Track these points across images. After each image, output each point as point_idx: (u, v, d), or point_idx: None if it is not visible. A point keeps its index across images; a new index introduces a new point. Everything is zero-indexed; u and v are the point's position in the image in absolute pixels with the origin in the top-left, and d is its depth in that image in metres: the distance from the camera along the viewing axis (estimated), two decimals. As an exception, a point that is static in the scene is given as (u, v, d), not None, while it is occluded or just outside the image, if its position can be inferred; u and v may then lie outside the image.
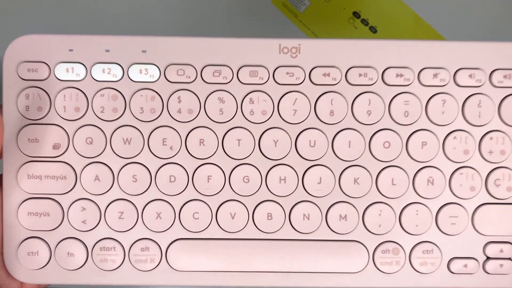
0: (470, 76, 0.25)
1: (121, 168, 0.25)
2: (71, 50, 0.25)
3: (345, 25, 0.42)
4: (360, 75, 0.25)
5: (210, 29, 0.42)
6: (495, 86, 0.25)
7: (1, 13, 0.42)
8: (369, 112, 0.25)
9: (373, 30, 0.41)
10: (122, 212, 0.25)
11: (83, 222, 0.25)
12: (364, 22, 0.41)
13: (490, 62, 0.25)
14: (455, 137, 0.25)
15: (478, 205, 0.26)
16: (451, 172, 0.26)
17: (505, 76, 0.25)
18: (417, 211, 0.26)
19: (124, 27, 0.42)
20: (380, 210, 0.26)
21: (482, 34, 0.45)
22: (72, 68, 0.25)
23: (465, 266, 0.26)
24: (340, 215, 0.25)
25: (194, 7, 0.43)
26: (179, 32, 0.42)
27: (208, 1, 0.43)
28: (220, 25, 0.42)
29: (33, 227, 0.25)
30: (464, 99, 0.25)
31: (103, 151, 0.25)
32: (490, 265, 0.26)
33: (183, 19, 0.42)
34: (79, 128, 0.25)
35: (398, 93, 0.25)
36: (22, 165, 0.25)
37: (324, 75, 0.25)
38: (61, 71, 0.25)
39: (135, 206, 0.25)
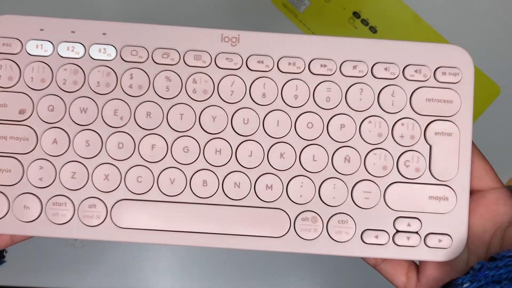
0: (386, 69, 0.29)
1: (77, 134, 0.29)
2: (42, 29, 0.29)
3: (345, 25, 0.42)
4: (289, 64, 0.29)
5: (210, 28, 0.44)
6: (407, 79, 0.29)
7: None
8: (295, 96, 0.29)
9: (373, 30, 0.42)
10: (75, 173, 0.29)
11: (40, 179, 0.29)
12: (364, 22, 0.42)
13: (404, 58, 0.29)
14: (370, 122, 0.29)
15: (390, 183, 0.29)
16: (366, 152, 0.29)
17: (416, 71, 0.29)
18: (334, 185, 0.29)
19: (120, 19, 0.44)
20: (302, 182, 0.29)
21: (482, 33, 0.45)
22: (41, 45, 0.29)
23: (377, 237, 0.29)
24: (267, 185, 0.29)
25: (194, 7, 0.45)
26: None
27: (208, 1, 0.45)
28: (220, 25, 0.43)
29: (-4, 181, 0.29)
30: (380, 90, 0.29)
31: (62, 118, 0.29)
32: (399, 237, 0.29)
33: (183, 19, 0.44)
34: (43, 97, 0.29)
35: (321, 81, 0.29)
36: (-10, 127, 0.29)
37: (259, 62, 0.29)
38: (32, 47, 0.29)
39: (86, 167, 0.29)
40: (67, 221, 0.29)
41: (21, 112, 0.29)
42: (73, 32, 0.29)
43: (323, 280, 0.46)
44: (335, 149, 0.29)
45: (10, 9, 0.45)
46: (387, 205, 0.29)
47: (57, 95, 0.29)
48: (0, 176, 0.29)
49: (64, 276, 0.46)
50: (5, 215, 0.29)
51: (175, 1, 0.45)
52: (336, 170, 0.29)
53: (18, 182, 0.29)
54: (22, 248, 0.39)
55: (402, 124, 0.29)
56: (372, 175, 0.29)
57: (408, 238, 0.29)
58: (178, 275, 0.46)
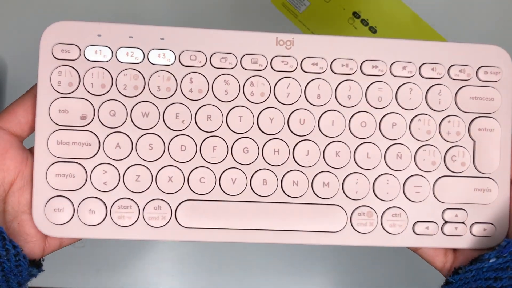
0: (432, 69, 0.31)
1: (139, 138, 0.29)
2: (99, 35, 0.29)
3: (345, 25, 0.42)
4: (342, 65, 0.30)
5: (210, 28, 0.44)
6: (452, 79, 0.31)
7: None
8: (349, 96, 0.30)
9: (373, 30, 0.42)
10: (139, 176, 0.29)
11: (104, 183, 0.29)
12: (364, 22, 0.42)
13: (449, 59, 0.31)
14: (419, 120, 0.31)
15: (438, 177, 0.31)
16: (416, 149, 0.31)
17: (460, 71, 0.31)
18: (387, 180, 0.30)
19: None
20: (357, 179, 0.30)
21: (482, 33, 0.45)
22: (100, 50, 0.29)
23: (427, 228, 0.31)
24: (324, 183, 0.30)
25: (194, 7, 0.45)
26: None
27: (208, 1, 0.45)
28: (220, 25, 0.43)
29: (60, 187, 0.29)
30: (427, 89, 0.31)
31: (124, 122, 0.29)
32: (447, 227, 0.31)
33: (183, 20, 0.44)
34: (104, 102, 0.29)
35: (373, 81, 0.30)
36: (52, 133, 0.29)
37: (313, 64, 0.30)
38: (91, 53, 0.29)
39: (150, 170, 0.29)
40: (132, 223, 0.29)
41: (83, 117, 0.29)
42: (131, 37, 0.30)
43: (324, 280, 0.48)
44: (387, 146, 0.30)
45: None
46: (436, 198, 0.31)
47: (118, 100, 0.29)
48: (65, 181, 0.29)
49: (64, 276, 0.46)
50: (70, 219, 0.29)
51: (175, 1, 0.45)
52: (388, 166, 0.31)
53: (82, 186, 0.29)
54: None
55: (449, 121, 0.31)
56: (422, 170, 0.31)
57: (456, 228, 0.31)
58: (179, 275, 0.47)
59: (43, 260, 0.31)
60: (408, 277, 0.47)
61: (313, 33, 0.43)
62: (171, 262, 0.46)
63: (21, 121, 0.29)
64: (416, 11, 0.44)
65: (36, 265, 0.30)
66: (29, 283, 0.30)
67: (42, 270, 0.30)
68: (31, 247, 0.29)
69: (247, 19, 0.44)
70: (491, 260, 0.29)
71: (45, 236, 0.30)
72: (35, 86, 0.30)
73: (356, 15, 0.42)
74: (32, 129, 0.30)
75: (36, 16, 0.44)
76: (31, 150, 0.30)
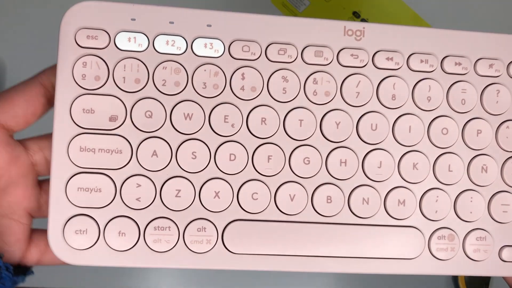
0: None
1: (180, 144, 0.24)
2: (133, 19, 0.24)
3: None
4: (421, 61, 0.26)
5: None
6: None
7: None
8: (428, 98, 0.26)
9: None
10: (179, 190, 0.24)
11: (137, 199, 0.24)
12: (364, 22, 0.41)
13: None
14: (507, 127, 0.26)
15: (528, 194, 0.26)
16: (503, 161, 0.26)
17: None
18: (471, 197, 0.26)
19: None
20: (437, 196, 0.26)
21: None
22: (134, 38, 0.24)
23: (516, 254, 0.26)
24: (399, 200, 0.25)
25: (194, 6, 0.44)
26: None
27: (208, 1, 0.43)
28: None
29: (83, 203, 0.24)
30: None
31: (162, 125, 0.24)
32: (538, 253, 0.26)
33: None
34: (138, 101, 0.24)
35: (456, 81, 0.26)
36: (74, 137, 0.24)
37: (388, 59, 0.25)
38: (122, 40, 0.24)
39: (192, 184, 0.24)
40: (171, 248, 0.24)
41: (112, 119, 0.24)
42: (171, 22, 0.24)
43: (324, 281, 0.46)
44: (471, 157, 0.26)
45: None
46: (526, 219, 0.26)
47: (155, 99, 0.24)
48: (89, 196, 0.24)
49: (64, 276, 0.44)
50: (95, 244, 0.24)
51: (175, 1, 0.43)
52: (472, 182, 0.26)
53: (110, 203, 0.24)
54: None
55: (541, 129, 0.26)
56: (510, 186, 0.26)
57: (549, 254, 0.26)
58: (179, 275, 0.45)
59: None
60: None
61: None
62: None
63: (18, 113, 0.24)
64: (416, 11, 0.43)
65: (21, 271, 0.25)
66: (27, 283, 0.26)
67: (31, 273, 0.26)
68: (7, 258, 0.24)
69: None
70: None
71: (27, 247, 0.25)
72: (42, 73, 0.24)
73: (356, 14, 0.42)
74: (27, 123, 0.24)
75: (36, 16, 0.43)
76: (22, 143, 0.25)
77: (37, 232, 0.26)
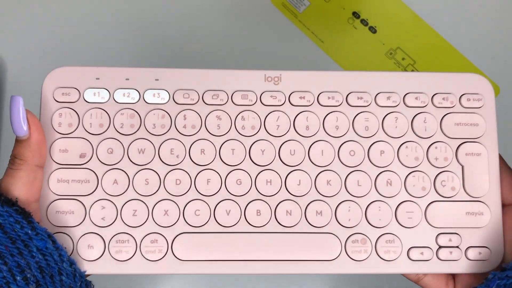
0: (416, 98, 0.32)
1: (136, 173, 0.31)
2: (97, 78, 0.31)
3: (344, 25, 0.42)
4: (328, 98, 0.32)
5: (210, 29, 0.44)
6: (436, 107, 0.32)
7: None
8: (337, 127, 0.31)
9: (373, 30, 0.42)
10: (136, 210, 0.30)
11: (102, 219, 0.30)
12: (364, 22, 0.42)
13: (432, 88, 0.32)
14: (406, 147, 0.32)
15: (429, 202, 0.31)
16: (406, 175, 0.31)
17: (443, 99, 0.32)
18: (379, 207, 0.31)
19: (129, 27, 0.43)
20: (349, 207, 0.31)
21: (482, 33, 0.45)
22: (99, 92, 0.31)
23: (422, 254, 0.31)
24: (317, 211, 0.31)
25: (193, 6, 0.45)
26: (179, 32, 0.44)
27: (208, 1, 0.45)
28: (220, 25, 0.44)
29: (60, 223, 0.30)
30: (412, 117, 0.32)
31: (121, 159, 0.31)
32: (442, 252, 0.31)
33: (183, 20, 0.44)
34: (102, 141, 0.31)
35: (359, 112, 0.32)
36: (53, 171, 0.30)
37: (300, 98, 0.32)
38: (89, 95, 0.31)
39: (146, 205, 0.30)
40: (130, 257, 0.30)
41: (82, 156, 0.30)
42: (127, 79, 0.31)
43: (325, 281, 0.47)
44: (377, 174, 0.31)
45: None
46: (429, 223, 0.31)
47: (115, 138, 0.31)
48: (64, 217, 0.30)
49: None
50: (70, 255, 0.30)
51: (175, 1, 0.45)
52: (379, 194, 0.31)
53: (81, 222, 0.30)
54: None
55: (436, 148, 0.32)
56: (413, 196, 0.31)
57: (451, 252, 0.31)
58: (179, 275, 0.46)
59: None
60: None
61: (313, 32, 0.42)
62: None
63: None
64: (416, 11, 0.44)
65: None
66: None
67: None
68: None
69: (247, 19, 0.45)
70: None
71: None
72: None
73: (356, 15, 0.42)
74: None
75: (36, 16, 0.44)
76: None
77: None
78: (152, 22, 0.44)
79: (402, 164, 0.31)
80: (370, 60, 0.43)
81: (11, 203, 0.27)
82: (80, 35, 0.44)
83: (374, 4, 0.43)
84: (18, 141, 0.29)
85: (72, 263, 0.28)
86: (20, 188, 0.28)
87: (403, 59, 0.43)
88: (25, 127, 0.28)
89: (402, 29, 0.43)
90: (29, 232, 0.27)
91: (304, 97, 0.32)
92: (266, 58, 0.44)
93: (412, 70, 0.44)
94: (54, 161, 0.30)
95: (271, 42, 0.45)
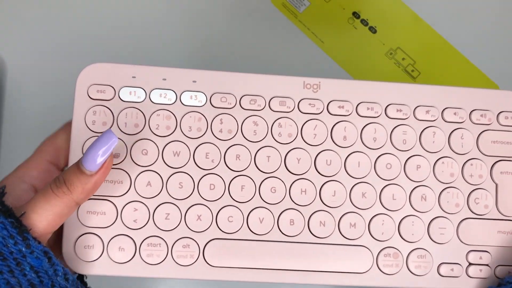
0: (455, 114, 0.32)
1: (170, 176, 0.30)
2: (134, 77, 0.30)
3: (344, 25, 0.42)
4: (367, 108, 0.31)
5: (210, 29, 0.44)
6: (474, 123, 0.32)
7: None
8: (374, 139, 0.31)
9: (373, 30, 0.42)
10: (168, 214, 0.30)
11: (134, 221, 0.30)
12: (364, 22, 0.42)
13: (470, 103, 0.32)
14: (443, 162, 0.31)
15: (462, 219, 0.31)
16: (440, 191, 0.31)
17: (481, 115, 0.32)
18: (413, 222, 0.31)
19: (132, 27, 0.43)
20: (383, 220, 0.31)
21: (482, 33, 0.45)
22: (135, 91, 0.30)
23: (452, 270, 0.31)
24: (350, 223, 0.31)
25: (194, 6, 0.44)
26: (179, 32, 0.43)
27: (208, 1, 0.44)
28: (220, 25, 0.44)
29: (91, 224, 0.29)
30: (450, 132, 0.32)
31: (156, 161, 0.30)
32: (472, 270, 0.31)
33: (183, 19, 0.44)
34: (136, 141, 0.30)
35: (398, 124, 0.31)
36: (85, 170, 0.30)
37: (339, 107, 0.31)
38: (125, 94, 0.30)
39: (179, 209, 0.30)
40: (161, 261, 0.30)
41: (116, 156, 0.30)
42: (164, 79, 0.31)
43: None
44: (412, 188, 0.31)
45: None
46: (460, 240, 0.31)
47: (150, 140, 0.30)
48: (95, 218, 0.29)
49: None
50: (99, 257, 0.29)
51: (174, 1, 0.45)
52: (413, 208, 0.31)
53: (113, 224, 0.30)
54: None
55: (471, 164, 0.31)
56: (446, 212, 0.31)
57: (481, 270, 0.31)
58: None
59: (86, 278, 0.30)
60: None
61: (313, 33, 0.42)
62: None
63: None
64: (416, 11, 0.44)
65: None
66: None
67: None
68: None
69: (247, 19, 0.44)
70: None
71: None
72: (69, 125, 0.30)
73: (356, 15, 0.42)
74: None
75: (36, 16, 0.44)
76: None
77: None
78: (152, 23, 0.44)
79: (437, 179, 0.31)
80: (370, 60, 0.43)
81: (8, 213, 0.25)
82: (80, 36, 0.43)
83: (374, 4, 0.43)
84: (79, 170, 0.26)
85: (67, 278, 0.26)
86: (47, 218, 0.26)
87: (403, 59, 0.43)
88: (98, 167, 0.26)
89: (402, 29, 0.43)
90: (23, 249, 0.25)
91: (343, 107, 0.31)
92: (266, 58, 0.44)
93: (412, 70, 0.43)
94: (86, 160, 0.30)
95: (271, 42, 0.44)
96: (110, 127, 0.30)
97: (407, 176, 0.31)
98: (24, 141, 0.39)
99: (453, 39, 0.45)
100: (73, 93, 0.30)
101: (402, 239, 0.31)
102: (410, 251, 0.31)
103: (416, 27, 0.43)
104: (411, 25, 0.43)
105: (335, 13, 0.43)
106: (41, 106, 0.41)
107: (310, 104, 0.31)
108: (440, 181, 0.31)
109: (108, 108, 0.30)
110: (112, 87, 0.30)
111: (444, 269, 0.31)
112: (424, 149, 0.31)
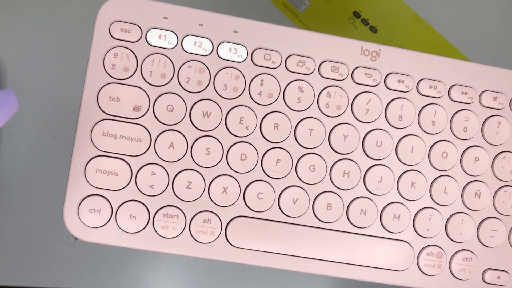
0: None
1: (196, 140, 0.26)
2: (165, 18, 0.26)
3: (345, 25, 0.42)
4: (430, 87, 0.27)
5: None
6: None
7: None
8: (433, 122, 0.27)
9: (373, 30, 0.41)
10: (191, 182, 0.26)
11: (151, 186, 0.26)
12: (364, 22, 0.41)
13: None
14: (504, 157, 0.28)
15: (516, 222, 0.28)
16: (497, 189, 0.28)
17: None
18: (462, 220, 0.27)
19: None
20: (430, 215, 0.27)
21: (482, 33, 0.45)
22: (165, 35, 0.26)
23: (498, 277, 0.28)
24: (394, 215, 0.27)
25: (193, 6, 0.43)
26: None
27: (208, 1, 0.42)
28: None
29: (99, 184, 0.25)
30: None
31: (182, 120, 0.26)
32: (519, 279, 0.28)
33: None
34: (162, 94, 0.26)
35: (460, 109, 0.27)
36: (99, 122, 0.25)
37: (399, 81, 0.27)
38: (153, 37, 0.26)
39: (203, 178, 0.26)
40: (177, 235, 0.26)
41: (136, 109, 0.25)
42: (201, 25, 0.26)
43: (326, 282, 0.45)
44: (466, 183, 0.27)
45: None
46: (511, 245, 0.28)
47: (178, 94, 0.26)
48: (105, 179, 0.25)
49: (64, 276, 0.43)
50: (106, 223, 0.25)
51: (174, 1, 0.43)
52: (465, 205, 0.27)
53: (125, 187, 0.25)
54: (21, 247, 0.37)
55: (535, 163, 0.28)
56: (500, 213, 0.28)
57: (529, 281, 0.28)
58: (179, 276, 0.44)
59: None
60: None
61: None
62: (171, 261, 0.43)
63: None
64: (417, 11, 0.43)
65: None
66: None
67: None
68: None
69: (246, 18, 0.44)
70: None
71: None
72: None
73: (356, 14, 0.41)
74: None
75: (36, 16, 0.42)
76: None
77: None
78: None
79: (495, 176, 0.28)
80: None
81: None
82: (80, 36, 0.41)
83: (375, 4, 0.42)
84: None
85: None
86: None
87: (403, 59, 0.42)
88: None
89: (403, 29, 0.42)
90: None
91: (403, 81, 0.27)
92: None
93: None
94: (101, 109, 0.25)
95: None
96: (133, 74, 0.25)
97: (462, 169, 0.27)
98: (24, 141, 0.38)
99: (453, 39, 0.44)
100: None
101: (449, 238, 0.27)
102: (455, 252, 0.27)
103: (417, 27, 0.43)
104: (412, 25, 0.43)
105: (335, 12, 0.42)
106: (41, 106, 0.39)
107: (366, 74, 0.27)
108: (498, 178, 0.28)
109: (132, 51, 0.25)
110: (139, 27, 0.26)
111: (489, 276, 0.28)
112: (486, 141, 0.28)
